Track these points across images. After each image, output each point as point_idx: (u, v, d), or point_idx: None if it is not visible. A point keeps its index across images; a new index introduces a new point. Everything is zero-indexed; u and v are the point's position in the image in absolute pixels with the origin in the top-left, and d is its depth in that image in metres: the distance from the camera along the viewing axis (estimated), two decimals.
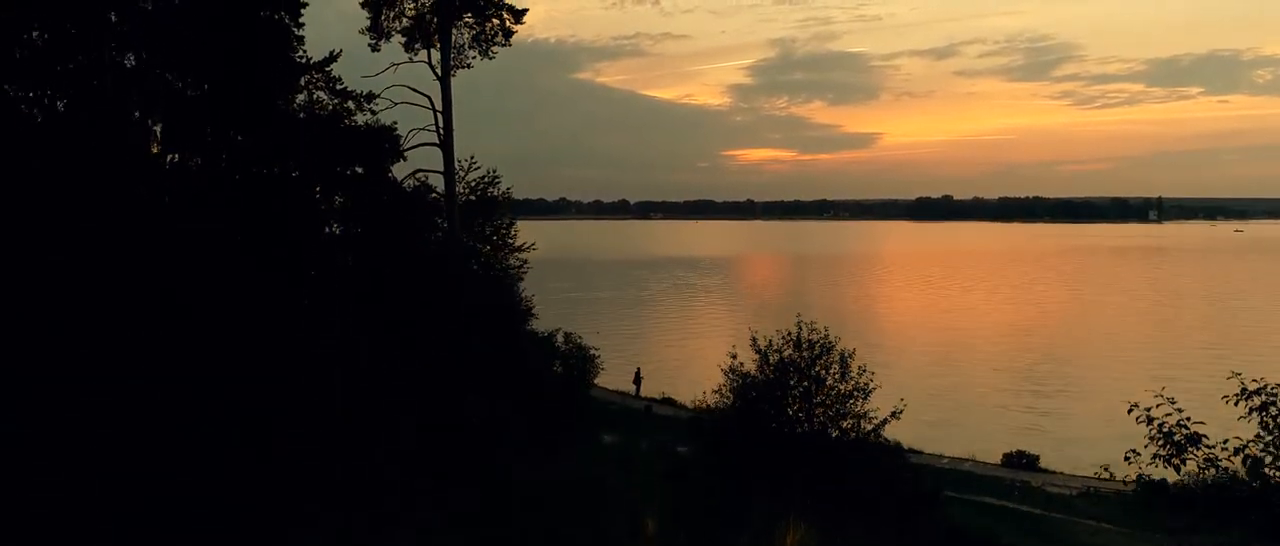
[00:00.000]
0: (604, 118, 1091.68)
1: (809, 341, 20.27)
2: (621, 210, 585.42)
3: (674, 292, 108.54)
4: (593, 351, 40.69)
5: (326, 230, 27.95)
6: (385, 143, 32.92)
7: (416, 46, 31.84)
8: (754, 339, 20.93)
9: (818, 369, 19.93)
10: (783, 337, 20.52)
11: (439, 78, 33.33)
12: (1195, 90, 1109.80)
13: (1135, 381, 50.03)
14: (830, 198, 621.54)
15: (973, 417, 44.06)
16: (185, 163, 24.17)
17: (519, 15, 34.64)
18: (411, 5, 31.59)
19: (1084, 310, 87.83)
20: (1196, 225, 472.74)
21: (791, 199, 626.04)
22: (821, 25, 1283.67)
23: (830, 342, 20.34)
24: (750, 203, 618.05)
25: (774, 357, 20.22)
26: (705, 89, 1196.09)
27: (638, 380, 46.45)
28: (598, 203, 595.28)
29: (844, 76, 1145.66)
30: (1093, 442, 38.98)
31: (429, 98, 33.50)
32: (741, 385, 20.38)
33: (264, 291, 21.57)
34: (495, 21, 34.41)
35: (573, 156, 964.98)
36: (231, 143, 25.62)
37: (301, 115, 29.41)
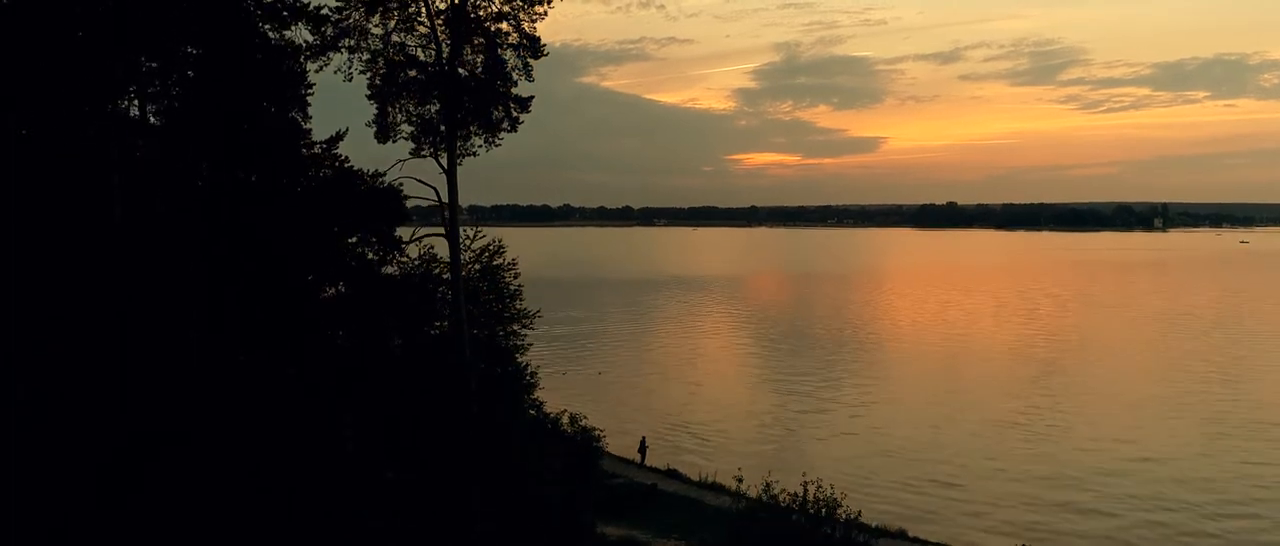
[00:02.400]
0: (608, 122, 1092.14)
1: (815, 500, 20.28)
2: (625, 216, 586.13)
3: (680, 319, 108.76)
4: (597, 433, 40.70)
5: (331, 331, 28.08)
6: (390, 203, 33.19)
7: (424, 149, 31.80)
8: (768, 484, 20.96)
9: (825, 530, 19.94)
10: (790, 495, 20.54)
11: (445, 170, 33.31)
12: (1201, 94, 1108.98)
13: (1148, 461, 49.37)
14: (834, 203, 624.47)
15: (982, 491, 43.72)
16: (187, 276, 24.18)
17: (525, 104, 34.57)
18: (417, 108, 31.51)
19: (1096, 355, 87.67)
20: (1202, 234, 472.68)
21: (795, 204, 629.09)
22: (826, 29, 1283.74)
23: (836, 501, 20.35)
24: (754, 209, 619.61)
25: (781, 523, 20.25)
26: (710, 93, 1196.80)
27: (642, 449, 46.40)
28: (602, 209, 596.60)
29: (849, 80, 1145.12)
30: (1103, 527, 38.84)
31: (435, 189, 33.53)
32: None
33: (274, 409, 21.61)
34: (500, 110, 34.39)
35: (577, 160, 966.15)
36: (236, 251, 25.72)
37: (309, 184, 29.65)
